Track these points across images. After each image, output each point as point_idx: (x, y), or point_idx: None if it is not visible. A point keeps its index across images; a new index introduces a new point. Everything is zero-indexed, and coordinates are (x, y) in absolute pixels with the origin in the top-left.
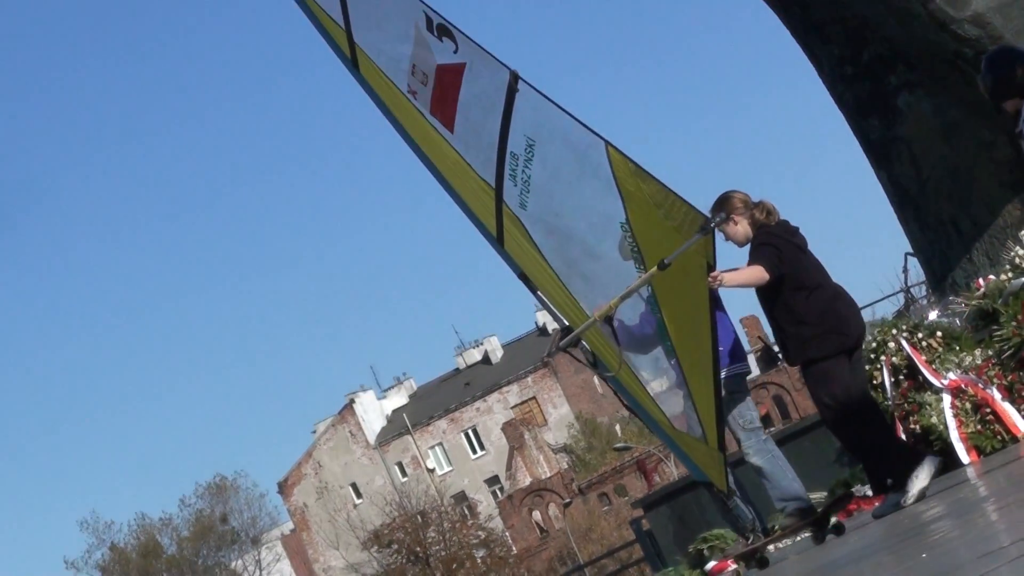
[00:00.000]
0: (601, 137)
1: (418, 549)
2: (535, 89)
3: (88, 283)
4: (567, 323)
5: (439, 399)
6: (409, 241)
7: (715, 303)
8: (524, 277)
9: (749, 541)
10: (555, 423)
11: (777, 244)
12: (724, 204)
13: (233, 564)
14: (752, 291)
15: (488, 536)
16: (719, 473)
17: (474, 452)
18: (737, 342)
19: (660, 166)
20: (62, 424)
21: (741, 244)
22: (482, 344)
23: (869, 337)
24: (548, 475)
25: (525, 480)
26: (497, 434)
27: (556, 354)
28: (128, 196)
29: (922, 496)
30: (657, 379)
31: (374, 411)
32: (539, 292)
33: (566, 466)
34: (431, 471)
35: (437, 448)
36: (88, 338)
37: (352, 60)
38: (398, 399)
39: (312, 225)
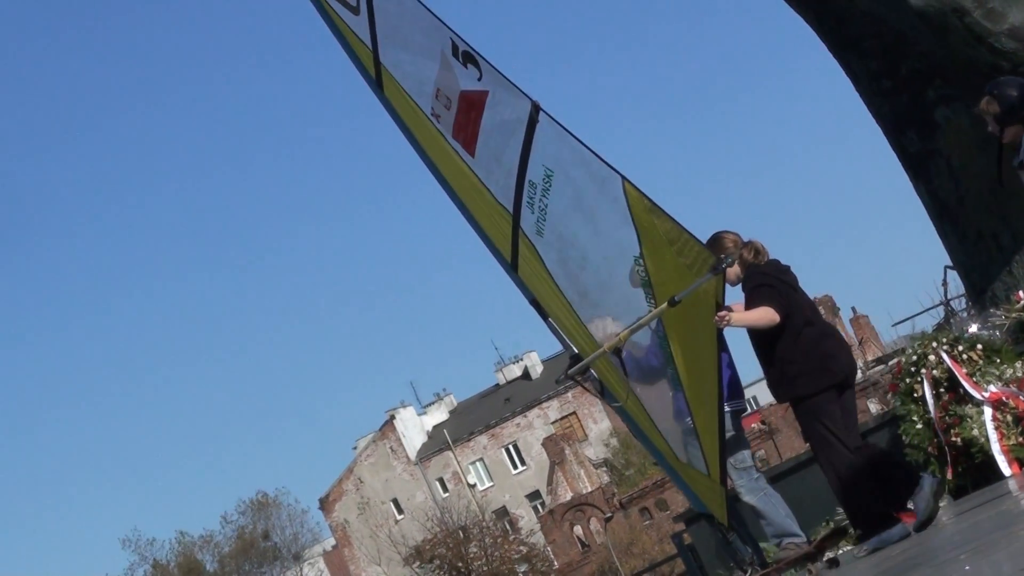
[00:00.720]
0: (618, 172)
1: (460, 564)
2: (555, 120)
3: (130, 298)
4: (576, 351)
5: (479, 415)
6: (449, 258)
7: (719, 341)
8: (536, 303)
9: (747, 574)
10: (595, 438)
11: (773, 284)
12: (715, 245)
13: None
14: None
15: (530, 551)
16: (720, 506)
17: (515, 467)
18: (735, 380)
19: (688, 186)
20: (105, 441)
21: (732, 284)
22: (522, 360)
23: (909, 350)
24: (589, 490)
25: (566, 495)
26: (538, 449)
27: (566, 382)
28: (166, 217)
29: (929, 520)
30: (663, 411)
31: (414, 427)
32: (550, 319)
33: (607, 480)
34: (472, 486)
35: (478, 464)
36: (130, 354)
37: (377, 80)
38: (438, 415)
39: (354, 242)
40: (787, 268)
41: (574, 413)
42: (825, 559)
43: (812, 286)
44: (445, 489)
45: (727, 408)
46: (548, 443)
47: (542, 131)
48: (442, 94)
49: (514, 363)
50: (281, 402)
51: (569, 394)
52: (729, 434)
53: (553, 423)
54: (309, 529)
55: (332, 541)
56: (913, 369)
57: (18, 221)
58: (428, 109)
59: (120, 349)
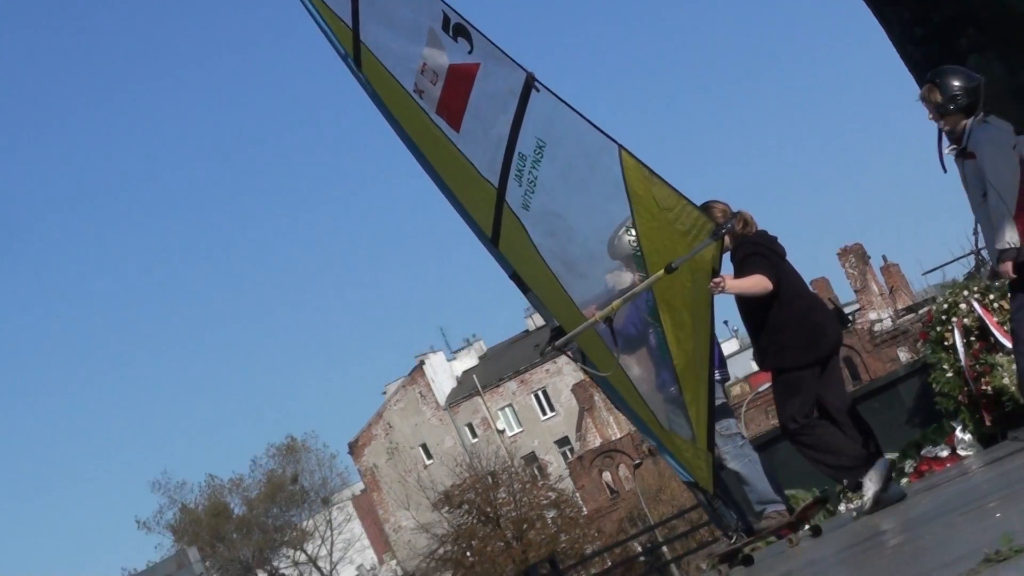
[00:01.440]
0: (615, 141)
1: (488, 510)
2: (551, 92)
3: (158, 243)
4: (558, 324)
5: (509, 361)
6: None
7: (713, 308)
8: (516, 277)
9: (732, 541)
10: None
11: (764, 253)
12: (704, 214)
13: (304, 524)
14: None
15: (558, 497)
16: (706, 474)
17: (544, 413)
18: (717, 350)
19: (705, 145)
20: (135, 384)
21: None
22: (577, 291)
23: (940, 298)
24: (618, 436)
25: (595, 441)
26: (567, 395)
27: (550, 354)
28: (209, 154)
29: (877, 502)
30: (646, 379)
31: (444, 372)
32: (530, 293)
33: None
34: (501, 432)
35: (507, 409)
36: (164, 298)
37: (355, 58)
38: (468, 360)
39: (387, 188)
40: (774, 239)
41: None
42: (807, 528)
43: (842, 234)
44: (474, 435)
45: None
46: (578, 389)
47: (536, 103)
48: (428, 69)
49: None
50: (311, 346)
51: None
52: (717, 401)
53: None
54: (338, 474)
55: (361, 486)
56: (944, 318)
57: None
58: (411, 85)
59: (154, 292)
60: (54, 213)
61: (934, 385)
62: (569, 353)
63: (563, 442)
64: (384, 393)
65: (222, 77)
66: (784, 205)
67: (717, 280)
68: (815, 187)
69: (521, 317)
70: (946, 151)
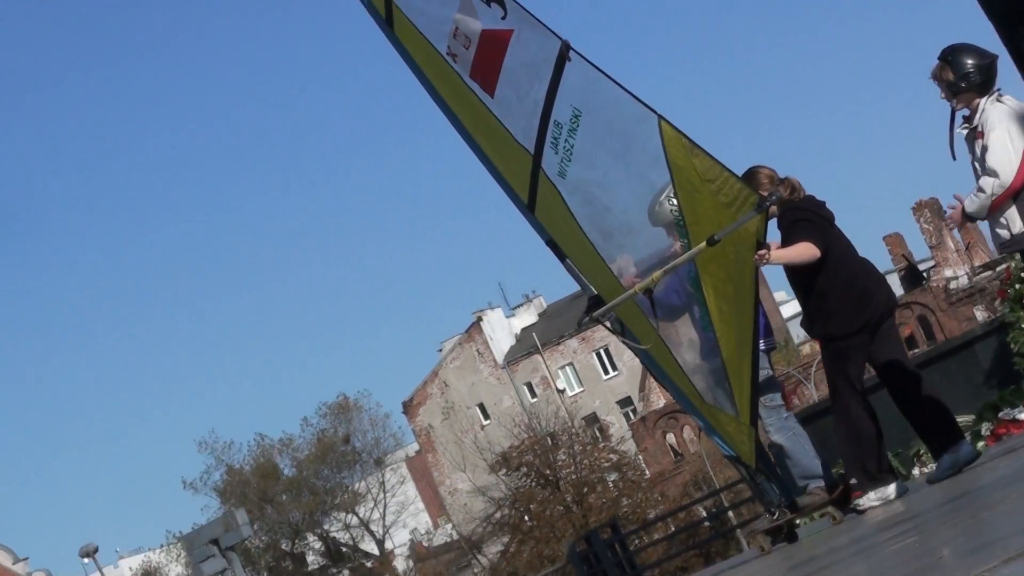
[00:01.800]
0: (654, 111)
1: (548, 472)
2: (587, 60)
3: (221, 199)
4: (596, 292)
5: (570, 318)
6: None
7: (757, 281)
8: (553, 244)
9: (775, 517)
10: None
11: (811, 219)
12: (749, 180)
13: (356, 486)
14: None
15: (620, 459)
16: (749, 448)
17: (606, 373)
18: (764, 318)
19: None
20: (182, 339)
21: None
22: (615, 260)
23: (1020, 256)
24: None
25: (659, 402)
26: (630, 355)
27: (590, 325)
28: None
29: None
30: (689, 351)
31: (502, 329)
32: (568, 260)
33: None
34: (561, 392)
35: (567, 368)
36: (216, 253)
37: (387, 19)
38: (527, 317)
39: (443, 139)
40: (822, 203)
41: None
42: (851, 505)
43: (918, 188)
44: (533, 394)
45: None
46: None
47: (571, 71)
48: (460, 33)
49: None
50: (365, 302)
51: None
52: (762, 372)
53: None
54: (391, 434)
55: (415, 446)
56: (1023, 275)
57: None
58: (444, 48)
59: (205, 248)
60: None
61: (1012, 345)
62: (608, 324)
63: (625, 402)
64: (440, 351)
65: (266, 30)
66: (858, 158)
67: (762, 252)
68: (890, 140)
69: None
70: (958, 129)
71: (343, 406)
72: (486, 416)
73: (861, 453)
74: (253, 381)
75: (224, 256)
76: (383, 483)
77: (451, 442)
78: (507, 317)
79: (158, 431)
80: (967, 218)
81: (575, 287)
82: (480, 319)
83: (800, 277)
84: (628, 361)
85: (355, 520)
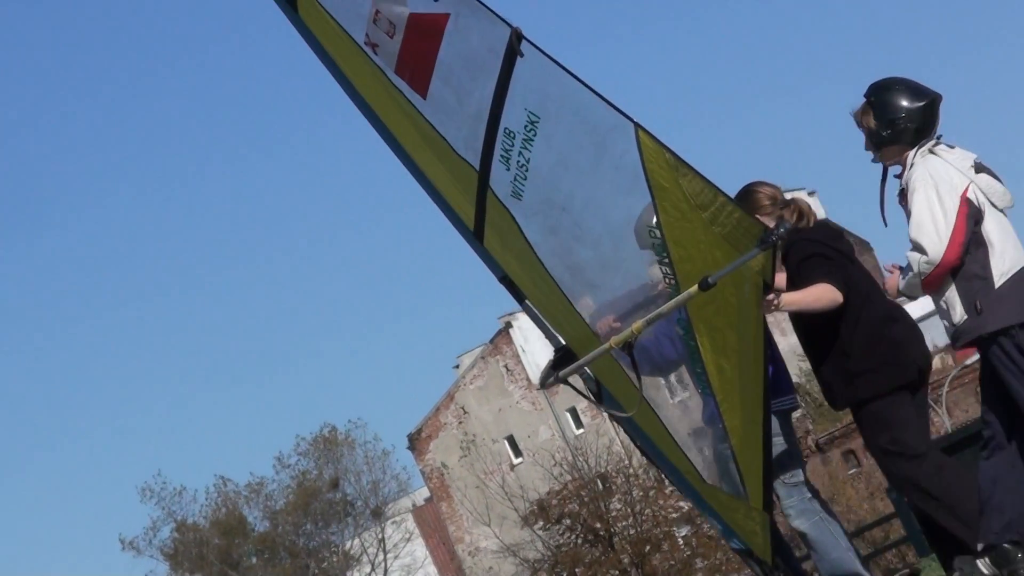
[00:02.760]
0: (630, 118)
1: (598, 526)
2: (544, 53)
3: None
4: (564, 342)
5: (632, 323)
6: None
7: (766, 331)
8: (507, 281)
9: None
10: (784, 353)
11: (828, 254)
12: (746, 202)
13: (347, 544)
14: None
15: (692, 509)
16: (763, 540)
17: (672, 395)
18: (780, 372)
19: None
20: (118, 358)
21: None
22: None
23: None
24: None
25: None
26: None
27: (553, 385)
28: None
29: None
30: (682, 418)
31: (538, 339)
32: (527, 302)
33: (799, 414)
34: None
35: None
36: (160, 241)
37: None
38: None
39: None
40: (839, 233)
41: None
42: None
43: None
44: (579, 423)
45: (775, 408)
46: None
47: (525, 67)
48: (382, 17)
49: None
50: (359, 306)
51: None
52: (777, 440)
53: None
54: (393, 476)
55: (424, 493)
56: None
57: None
58: (361, 37)
59: (147, 229)
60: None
61: None
62: (577, 387)
63: None
64: (456, 367)
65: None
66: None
67: (771, 297)
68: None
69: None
70: (894, 193)
71: (330, 440)
72: (517, 452)
73: (962, 508)
74: (212, 408)
75: (175, 241)
76: (382, 540)
77: (472, 486)
78: (622, 280)
79: (86, 472)
80: (902, 294)
81: (635, 283)
82: (509, 325)
83: (814, 328)
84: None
85: None
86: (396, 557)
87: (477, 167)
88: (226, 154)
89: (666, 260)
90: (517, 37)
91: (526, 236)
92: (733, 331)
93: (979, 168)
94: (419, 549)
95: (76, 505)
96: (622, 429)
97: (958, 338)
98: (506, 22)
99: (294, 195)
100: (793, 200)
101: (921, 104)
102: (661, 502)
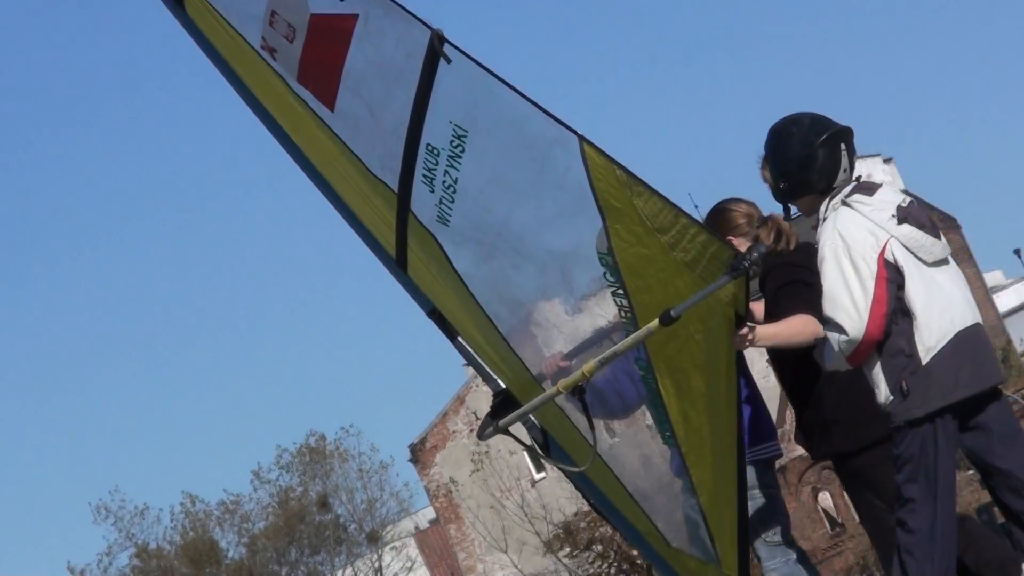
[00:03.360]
0: (573, 131)
1: (635, 552)
2: (471, 59)
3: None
4: (503, 385)
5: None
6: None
7: (738, 370)
8: (437, 316)
9: None
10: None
11: (808, 281)
12: (718, 221)
13: (339, 574)
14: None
15: None
16: None
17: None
18: (761, 415)
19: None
20: (73, 354)
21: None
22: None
23: None
24: None
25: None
26: (761, 367)
27: (491, 436)
28: None
29: None
30: (641, 472)
31: (564, 329)
32: (460, 339)
33: (785, 461)
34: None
35: None
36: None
37: None
38: (602, 310)
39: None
40: None
41: None
42: None
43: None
44: (612, 432)
45: (754, 456)
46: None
47: (449, 75)
48: (279, 19)
49: None
50: (351, 299)
51: None
52: (754, 493)
53: None
54: (393, 494)
55: (430, 513)
56: None
57: None
58: (257, 41)
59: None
60: None
61: None
62: (520, 438)
63: None
64: (466, 364)
65: None
66: None
67: (744, 332)
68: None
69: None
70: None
71: (317, 451)
72: (539, 467)
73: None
74: (179, 414)
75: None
76: (380, 571)
77: (485, 506)
78: (570, 313)
79: (28, 486)
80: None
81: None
82: (530, 316)
83: (793, 366)
84: (759, 378)
85: None
86: None
87: (396, 189)
88: (214, 150)
89: (620, 292)
90: (439, 40)
91: (455, 266)
92: (700, 373)
93: (903, 217)
94: None
95: (14, 525)
96: (576, 487)
97: (890, 418)
98: (425, 24)
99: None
100: (770, 217)
101: (819, 145)
102: None
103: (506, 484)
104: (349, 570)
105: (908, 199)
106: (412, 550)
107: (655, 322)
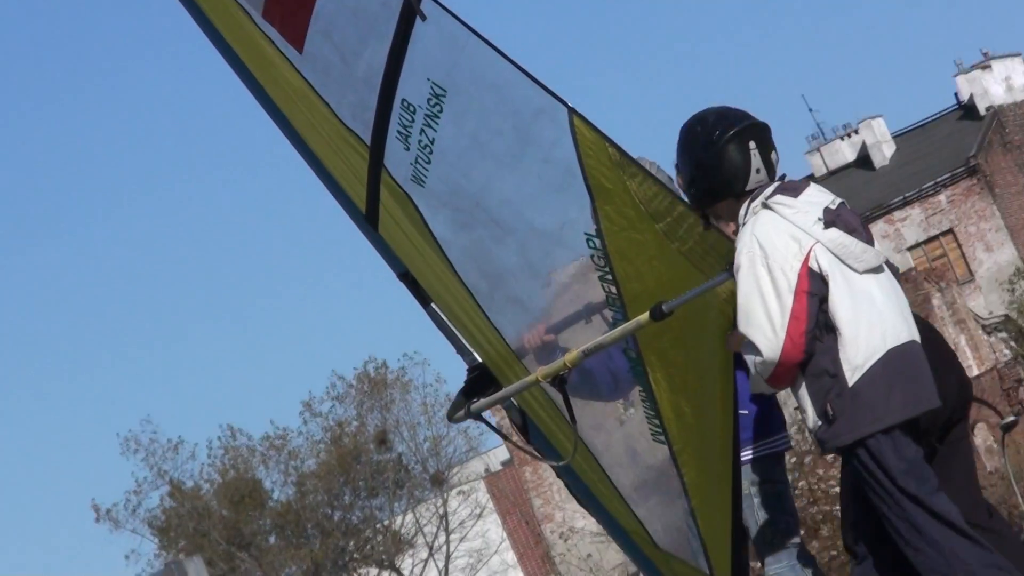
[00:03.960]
0: (562, 101)
1: None
2: (453, 15)
3: None
4: (479, 360)
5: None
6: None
7: (734, 366)
8: (408, 279)
9: None
10: (987, 277)
11: None
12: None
13: (398, 521)
14: None
15: None
16: None
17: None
18: (772, 405)
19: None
20: (104, 268)
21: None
22: (855, 132)
23: None
24: (975, 372)
25: None
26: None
27: (462, 420)
28: None
29: None
30: (634, 470)
31: None
32: (433, 306)
33: (1007, 356)
34: None
35: None
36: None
37: None
38: None
39: None
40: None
41: (950, 232)
42: None
43: None
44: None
45: (762, 451)
46: (904, 281)
47: (428, 30)
48: None
49: (842, 138)
50: None
51: (942, 196)
52: (764, 487)
53: (910, 249)
54: (461, 431)
55: (503, 453)
56: None
57: None
58: None
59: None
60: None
61: None
62: (493, 423)
63: None
64: (548, 285)
65: None
66: None
67: (739, 334)
68: None
69: (802, 151)
70: None
71: (377, 381)
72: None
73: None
74: (221, 336)
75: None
76: (445, 517)
77: None
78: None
79: (48, 415)
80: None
81: (790, 175)
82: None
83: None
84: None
85: None
86: (462, 539)
87: (368, 142)
88: None
89: (609, 277)
90: None
91: (432, 230)
92: (694, 370)
93: (831, 220)
94: (493, 529)
95: (32, 458)
96: (564, 481)
97: (820, 445)
98: None
99: None
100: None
101: (722, 146)
102: (820, 471)
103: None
104: (410, 516)
105: (838, 200)
106: (482, 495)
107: (645, 316)
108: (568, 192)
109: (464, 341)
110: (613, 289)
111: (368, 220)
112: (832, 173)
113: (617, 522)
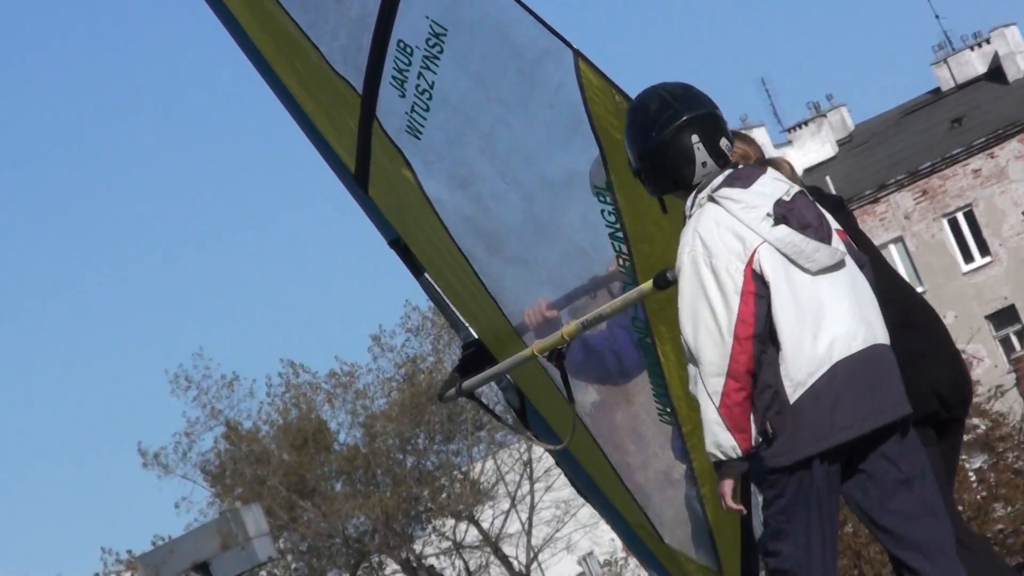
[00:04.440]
0: (567, 43)
1: None
2: None
3: None
4: (476, 336)
5: (893, 150)
6: None
7: None
8: (399, 246)
9: None
10: None
11: None
12: None
13: (477, 468)
14: None
15: (995, 426)
16: None
17: (967, 259)
18: None
19: None
20: (147, 185)
21: None
22: (987, 42)
23: None
24: None
25: None
26: (1015, 222)
27: (453, 399)
28: None
29: None
30: (639, 456)
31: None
32: (426, 275)
33: None
34: None
35: (891, 247)
36: None
37: None
38: (817, 144)
39: None
40: (837, 203)
41: None
42: None
43: None
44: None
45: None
46: None
47: None
48: None
49: (972, 48)
50: None
51: None
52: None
53: None
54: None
55: (592, 394)
56: None
57: None
58: None
59: None
60: None
61: None
62: (486, 403)
63: (1003, 318)
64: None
65: None
66: None
67: None
68: None
69: (927, 66)
70: None
71: None
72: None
73: None
74: (280, 260)
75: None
76: (529, 465)
77: None
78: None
79: (89, 347)
80: None
81: (908, 95)
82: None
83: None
84: (1010, 236)
85: (474, 534)
86: (548, 488)
87: (360, 89)
88: None
89: (619, 235)
90: None
91: (425, 189)
92: None
93: (782, 215)
94: None
95: (73, 397)
96: (561, 466)
97: (761, 464)
98: None
99: None
100: (772, 162)
101: (660, 141)
102: None
103: None
104: (491, 463)
105: (795, 190)
106: None
107: (649, 284)
108: (575, 141)
109: (459, 315)
110: (624, 248)
111: (358, 180)
112: (960, 87)
113: (621, 515)
